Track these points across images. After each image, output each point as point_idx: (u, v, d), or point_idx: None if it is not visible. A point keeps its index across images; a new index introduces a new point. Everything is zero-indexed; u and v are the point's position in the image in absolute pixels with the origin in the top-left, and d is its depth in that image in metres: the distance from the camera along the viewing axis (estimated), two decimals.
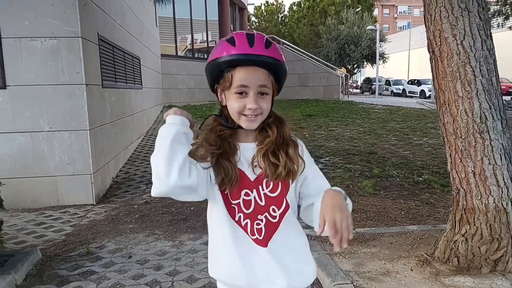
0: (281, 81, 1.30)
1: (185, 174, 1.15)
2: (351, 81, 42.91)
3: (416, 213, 4.70)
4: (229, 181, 1.25)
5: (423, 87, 28.22)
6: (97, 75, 5.97)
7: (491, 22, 16.44)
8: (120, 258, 3.79)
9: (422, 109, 16.97)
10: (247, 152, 1.30)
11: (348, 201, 1.18)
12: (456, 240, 3.09)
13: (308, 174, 1.33)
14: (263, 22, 45.65)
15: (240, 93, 1.22)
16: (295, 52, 20.43)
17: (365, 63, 33.63)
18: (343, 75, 26.20)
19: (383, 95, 29.61)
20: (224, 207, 1.30)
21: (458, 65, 2.85)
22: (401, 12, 74.52)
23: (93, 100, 5.62)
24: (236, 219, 1.30)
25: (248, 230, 1.30)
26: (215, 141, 1.26)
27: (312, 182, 1.34)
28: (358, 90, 39.44)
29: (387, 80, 35.52)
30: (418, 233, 3.91)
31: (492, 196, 2.89)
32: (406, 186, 5.82)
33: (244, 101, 1.22)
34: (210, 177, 1.26)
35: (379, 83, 29.14)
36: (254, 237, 1.30)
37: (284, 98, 18.47)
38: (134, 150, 8.84)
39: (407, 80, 33.67)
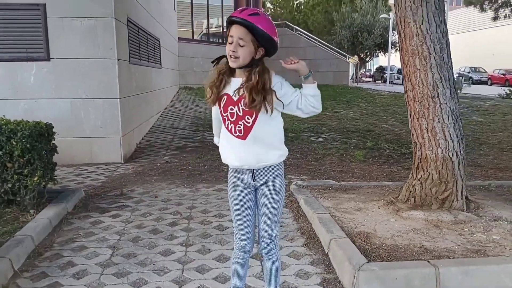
0: (261, 41, 2.01)
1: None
2: (364, 70, 43.23)
3: (396, 175, 5.51)
4: (211, 100, 2.14)
5: None
6: (126, 52, 6.84)
7: (499, 13, 16.80)
8: (148, 197, 4.71)
9: None
10: (235, 84, 2.11)
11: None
12: (414, 184, 3.91)
13: (287, 100, 2.11)
14: (278, 9, 45.98)
15: (229, 42, 2.03)
16: (307, 38, 21.05)
17: (377, 51, 33.98)
18: (354, 63, 26.76)
19: (394, 83, 30.05)
20: (221, 119, 2.17)
21: (417, 44, 3.63)
22: None
23: (122, 73, 6.50)
24: (226, 125, 2.16)
25: (233, 131, 2.14)
26: (216, 78, 2.11)
27: (290, 103, 2.14)
28: (370, 79, 39.81)
29: (399, 69, 35.74)
30: (392, 187, 4.72)
31: (441, 148, 3.70)
32: (393, 156, 6.63)
33: (230, 46, 2.02)
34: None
35: (390, 72, 29.54)
36: (236, 135, 2.13)
37: (295, 82, 19.18)
38: (154, 123, 9.75)
39: None
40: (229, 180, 2.28)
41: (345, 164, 6.12)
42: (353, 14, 31.43)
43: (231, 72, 2.13)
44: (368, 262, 2.91)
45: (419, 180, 3.86)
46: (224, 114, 2.14)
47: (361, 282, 2.75)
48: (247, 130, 2.11)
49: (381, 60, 46.79)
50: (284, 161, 2.26)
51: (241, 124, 2.11)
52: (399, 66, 37.70)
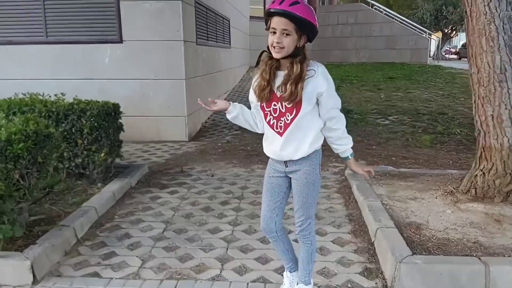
0: (303, 30, 2.00)
1: (259, 125, 2.29)
2: (449, 46, 40.27)
3: (464, 163, 5.17)
4: (261, 98, 2.13)
5: None
6: (192, 34, 7.05)
7: None
8: (205, 176, 4.91)
9: None
10: (279, 78, 2.10)
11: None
12: (476, 175, 3.65)
13: (322, 99, 2.08)
14: None
15: (272, 32, 2.01)
16: (383, 13, 20.04)
17: (464, 26, 31.38)
18: (436, 39, 25.03)
19: None
20: (262, 113, 2.19)
21: (484, 24, 3.33)
22: None
23: (188, 54, 6.72)
24: (267, 120, 2.18)
25: (274, 127, 2.16)
26: (267, 74, 2.08)
27: (323, 105, 2.12)
28: (455, 56, 36.98)
29: None
30: (455, 175, 4.44)
31: (507, 137, 3.40)
32: (464, 142, 6.20)
33: (274, 37, 1.99)
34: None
35: None
36: (276, 130, 2.16)
37: (369, 60, 18.50)
38: None
39: None
40: (268, 164, 2.35)
41: (409, 149, 5.85)
42: None
43: (276, 66, 2.11)
44: (412, 254, 2.81)
45: (481, 170, 3.60)
46: (267, 109, 2.15)
47: (403, 274, 2.67)
48: (286, 127, 2.13)
49: None
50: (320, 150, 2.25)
51: (282, 121, 2.13)
52: None
